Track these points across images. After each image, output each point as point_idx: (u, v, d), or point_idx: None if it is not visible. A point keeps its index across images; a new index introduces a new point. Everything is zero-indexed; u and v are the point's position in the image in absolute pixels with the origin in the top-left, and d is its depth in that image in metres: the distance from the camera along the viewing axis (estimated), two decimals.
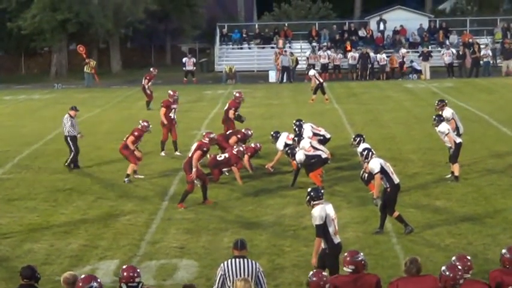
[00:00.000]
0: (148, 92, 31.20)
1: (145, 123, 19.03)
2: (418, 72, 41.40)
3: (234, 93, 22.78)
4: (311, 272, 8.79)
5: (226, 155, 18.30)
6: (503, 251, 9.11)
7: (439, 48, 44.86)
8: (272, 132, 19.74)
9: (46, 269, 12.63)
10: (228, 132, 20.54)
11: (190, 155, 16.50)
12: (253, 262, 9.43)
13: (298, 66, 42.89)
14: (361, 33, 47.37)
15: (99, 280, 8.52)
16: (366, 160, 14.68)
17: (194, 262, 13.05)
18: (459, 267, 8.64)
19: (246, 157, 18.70)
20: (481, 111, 27.70)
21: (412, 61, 42.17)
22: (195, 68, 42.61)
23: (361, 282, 8.99)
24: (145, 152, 20.02)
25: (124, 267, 8.84)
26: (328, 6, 56.41)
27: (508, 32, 45.99)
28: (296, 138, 18.78)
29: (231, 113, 21.84)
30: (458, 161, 17.78)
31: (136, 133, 18.82)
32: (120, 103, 34.54)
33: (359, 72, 42.04)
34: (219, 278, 9.31)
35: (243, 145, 19.13)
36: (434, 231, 14.26)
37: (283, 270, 12.42)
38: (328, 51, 43.06)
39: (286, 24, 49.62)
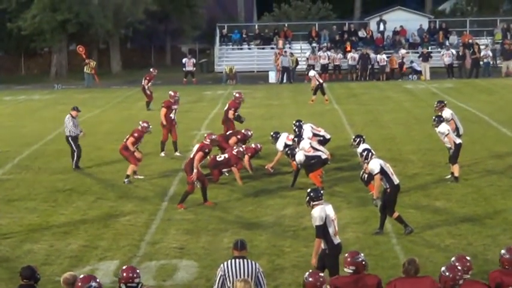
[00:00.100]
0: (148, 92, 31.21)
1: (145, 124, 19.02)
2: (418, 72, 41.41)
3: (234, 93, 22.78)
4: (307, 273, 8.79)
5: (226, 155, 18.30)
6: (502, 251, 9.12)
7: (439, 49, 44.88)
8: (272, 133, 19.74)
9: (46, 270, 12.63)
10: (228, 133, 20.55)
11: (191, 156, 16.50)
12: (253, 263, 9.43)
13: (298, 66, 42.90)
14: (361, 33, 47.38)
15: (98, 280, 8.53)
16: (366, 161, 14.68)
17: (194, 263, 13.05)
18: (459, 267, 8.65)
19: (246, 157, 18.70)
20: (481, 112, 27.70)
21: (412, 62, 42.17)
22: (195, 68, 42.63)
23: (362, 283, 9.00)
24: (145, 153, 20.02)
25: (123, 267, 8.84)
26: (328, 6, 56.41)
27: (508, 33, 46.00)
28: (296, 139, 18.79)
29: (230, 114, 21.83)
30: (458, 162, 17.78)
31: (136, 134, 18.81)
32: (120, 103, 34.54)
33: (359, 72, 42.06)
34: (219, 279, 9.31)
35: (243, 146, 19.13)
36: (434, 231, 14.27)
37: (283, 271, 12.42)
38: (328, 52, 43.07)
39: (286, 25, 49.62)
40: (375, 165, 14.15)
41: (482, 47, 42.80)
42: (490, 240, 13.64)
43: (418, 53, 43.98)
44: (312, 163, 17.52)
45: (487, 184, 17.62)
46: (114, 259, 13.29)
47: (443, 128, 17.72)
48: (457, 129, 18.84)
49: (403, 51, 42.95)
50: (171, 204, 16.64)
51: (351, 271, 9.09)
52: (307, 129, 19.39)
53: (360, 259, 9.13)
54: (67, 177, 19.48)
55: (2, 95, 39.40)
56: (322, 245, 10.92)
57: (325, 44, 45.06)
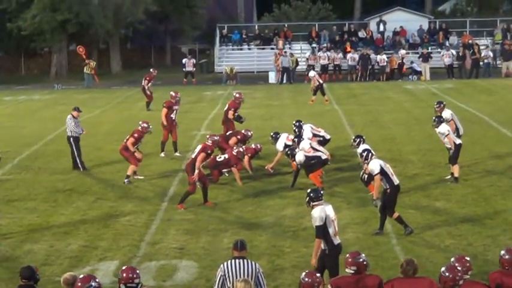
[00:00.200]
0: (148, 92, 31.21)
1: (145, 125, 19.02)
2: (418, 73, 41.40)
3: (234, 94, 22.78)
4: (303, 273, 8.80)
5: (226, 156, 18.30)
6: (502, 252, 9.12)
7: (439, 50, 44.88)
8: (272, 133, 19.74)
9: (46, 270, 12.64)
10: (228, 133, 20.54)
11: (193, 157, 16.51)
12: (253, 263, 9.43)
13: (298, 67, 42.90)
14: (361, 34, 47.38)
15: (97, 280, 8.54)
16: (366, 161, 14.68)
17: (194, 263, 13.05)
18: (458, 268, 8.65)
19: (246, 158, 18.70)
20: (481, 112, 27.70)
21: (412, 62, 42.17)
22: (194, 68, 42.63)
23: (363, 283, 9.01)
24: (145, 153, 20.02)
25: (123, 268, 8.84)
26: (328, 7, 56.40)
27: (508, 33, 45.99)
28: (296, 139, 18.79)
29: (230, 114, 21.83)
30: (458, 162, 17.79)
31: (136, 134, 18.81)
32: (120, 104, 34.55)
33: (359, 73, 42.05)
34: (219, 279, 9.32)
35: (243, 146, 19.13)
36: (434, 232, 14.27)
37: (283, 271, 12.42)
38: (328, 52, 43.07)
39: (286, 25, 49.61)
40: (374, 165, 14.15)
41: (482, 47, 42.80)
42: (490, 241, 13.64)
43: (418, 53, 43.96)
44: (312, 163, 17.52)
45: (487, 184, 17.62)
46: (114, 259, 13.29)
47: (443, 128, 17.73)
48: (457, 130, 18.85)
49: (402, 51, 42.94)
50: (171, 205, 16.64)
51: (353, 271, 9.09)
52: (307, 130, 19.39)
53: (361, 259, 9.14)
54: (67, 178, 19.48)
55: (2, 95, 39.40)
56: (322, 246, 10.92)
57: (325, 45, 45.05)
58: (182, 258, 13.34)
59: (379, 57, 41.95)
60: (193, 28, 53.06)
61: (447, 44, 44.88)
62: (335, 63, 42.81)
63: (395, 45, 45.80)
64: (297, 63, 42.65)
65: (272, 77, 42.47)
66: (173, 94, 22.15)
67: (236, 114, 21.95)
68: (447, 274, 8.49)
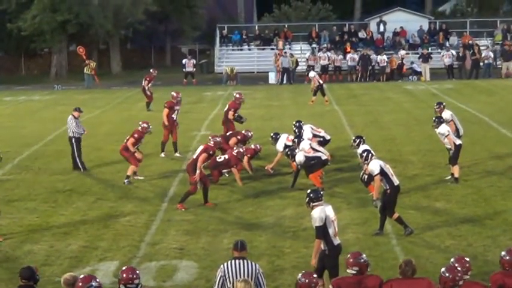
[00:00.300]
0: (148, 93, 31.21)
1: (145, 125, 19.02)
2: (418, 73, 41.40)
3: (234, 94, 22.76)
4: (300, 273, 8.80)
5: (226, 156, 18.29)
6: (503, 253, 9.11)
7: (439, 50, 44.87)
8: (272, 134, 19.73)
9: (46, 270, 12.64)
10: (228, 134, 20.54)
11: (195, 157, 16.51)
12: (253, 263, 9.43)
13: (298, 67, 42.89)
14: (361, 34, 47.38)
15: (98, 280, 8.54)
16: (366, 162, 14.68)
17: (194, 263, 13.05)
18: (458, 268, 8.65)
19: (245, 158, 18.68)
20: (481, 113, 27.70)
21: (412, 62, 42.16)
22: (195, 69, 42.63)
23: (365, 284, 9.01)
24: (145, 153, 20.01)
25: (123, 268, 8.83)
26: (328, 7, 56.38)
27: (508, 34, 45.98)
28: (296, 140, 18.79)
29: (230, 114, 21.82)
30: (458, 163, 17.79)
31: (136, 135, 18.81)
32: (120, 104, 34.54)
33: (359, 73, 42.05)
34: (219, 279, 9.32)
35: (243, 146, 19.13)
36: (434, 232, 14.27)
37: (283, 272, 12.42)
38: (328, 53, 43.07)
39: (286, 26, 49.62)
40: (374, 166, 14.15)
41: (483, 48, 42.80)
42: (490, 241, 13.64)
43: (418, 54, 43.97)
44: (312, 164, 17.52)
45: (487, 185, 17.62)
46: (114, 260, 13.29)
47: (443, 129, 17.73)
48: (457, 130, 18.86)
49: (402, 52, 42.92)
50: (171, 205, 16.64)
51: (355, 272, 9.10)
52: (307, 130, 19.38)
53: (363, 260, 9.16)
54: (67, 178, 19.48)
55: (2, 95, 39.40)
56: (322, 246, 10.92)
57: (325, 45, 45.05)
58: (182, 258, 13.34)
59: (379, 57, 41.94)
60: (193, 28, 53.07)
61: (447, 44, 44.88)
62: (335, 64, 42.80)
63: (396, 45, 45.79)
64: (297, 64, 42.64)
65: (272, 78, 42.47)
66: (174, 94, 22.14)
67: (236, 114, 21.94)
68: (447, 274, 8.49)
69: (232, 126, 21.75)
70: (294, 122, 19.99)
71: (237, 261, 9.37)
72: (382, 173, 14.02)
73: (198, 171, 16.17)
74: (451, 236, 14.03)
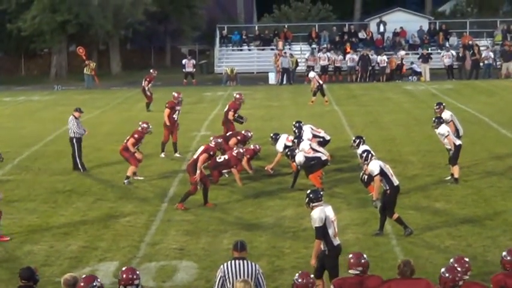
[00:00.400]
0: (148, 93, 31.21)
1: (145, 125, 19.02)
2: (418, 74, 41.40)
3: (234, 94, 22.76)
4: (297, 274, 8.80)
5: (226, 156, 18.29)
6: (504, 253, 9.09)
7: (439, 50, 44.85)
8: (272, 134, 19.74)
9: (46, 271, 12.64)
10: (228, 134, 20.53)
11: (195, 157, 16.52)
12: (253, 264, 9.43)
13: (298, 68, 42.88)
14: (361, 35, 47.39)
15: (99, 280, 8.55)
16: (366, 162, 14.69)
17: (194, 264, 13.05)
18: (458, 268, 8.65)
19: (244, 159, 18.66)
20: (481, 113, 27.70)
21: (412, 63, 42.16)
22: (194, 69, 42.64)
23: (366, 285, 9.02)
24: (145, 154, 19.99)
25: (123, 269, 8.83)
26: (328, 8, 56.38)
27: (508, 34, 45.98)
28: (296, 140, 18.79)
29: (230, 115, 21.82)
30: (458, 163, 17.79)
31: (136, 135, 18.81)
32: (120, 104, 34.54)
33: (359, 74, 42.04)
34: (219, 280, 9.32)
35: (243, 147, 19.13)
36: (434, 233, 14.27)
37: (283, 272, 12.42)
38: (328, 53, 43.07)
39: (286, 26, 49.62)
40: (374, 166, 14.15)
41: (483, 48, 42.80)
42: (489, 242, 13.64)
43: (418, 54, 43.97)
44: (312, 164, 17.52)
45: (487, 185, 17.62)
46: (114, 260, 13.29)
47: (443, 129, 17.74)
48: (456, 131, 18.87)
49: (402, 52, 42.92)
50: (171, 205, 16.63)
51: (358, 272, 9.11)
52: (307, 131, 19.39)
53: (365, 260, 9.17)
54: (67, 178, 19.47)
55: (2, 95, 39.38)
56: (322, 246, 10.92)
57: (325, 45, 45.06)
58: (182, 259, 13.34)
59: (379, 58, 41.93)
60: (193, 29, 53.07)
61: (447, 44, 44.87)
62: (335, 65, 42.79)
63: (396, 46, 45.79)
64: (296, 64, 42.63)
65: (272, 78, 42.46)
66: (175, 95, 22.14)
67: (236, 115, 21.94)
68: (447, 275, 8.49)
69: (232, 126, 21.74)
70: (294, 123, 19.99)
71: (237, 261, 9.37)
72: (382, 173, 14.02)
73: (198, 172, 16.18)
74: (450, 237, 14.03)
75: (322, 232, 10.84)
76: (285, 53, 42.62)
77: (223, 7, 57.99)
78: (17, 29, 45.35)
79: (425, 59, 41.64)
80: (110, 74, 49.45)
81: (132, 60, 53.44)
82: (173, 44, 55.67)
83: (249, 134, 20.09)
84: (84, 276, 8.72)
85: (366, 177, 15.95)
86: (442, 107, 19.43)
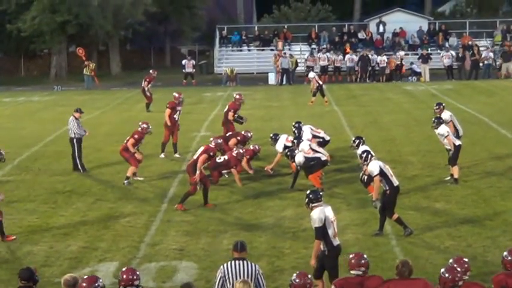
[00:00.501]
0: (148, 94, 31.21)
1: (145, 125, 19.02)
2: (418, 74, 41.40)
3: (234, 95, 22.76)
4: (294, 274, 8.81)
5: (226, 157, 18.29)
6: (505, 253, 9.09)
7: (439, 51, 44.83)
8: (271, 135, 19.74)
9: (45, 271, 12.65)
10: (227, 134, 20.54)
11: (195, 158, 16.53)
12: (253, 264, 9.44)
13: (298, 68, 42.88)
14: (361, 35, 47.40)
15: (101, 280, 8.57)
16: (365, 162, 14.70)
17: (194, 264, 13.05)
18: (458, 269, 8.65)
19: (244, 160, 18.66)
20: (480, 113, 27.71)
21: (411, 63, 42.16)
22: (194, 70, 42.65)
23: (367, 285, 9.02)
24: (145, 154, 19.99)
25: (123, 269, 8.84)
26: (327, 8, 56.37)
27: (508, 34, 45.99)
28: (295, 141, 18.79)
29: (230, 115, 21.83)
30: (457, 163, 17.80)
31: (136, 136, 18.82)
32: (119, 105, 34.54)
33: (358, 74, 42.04)
34: (219, 280, 9.33)
35: (243, 147, 19.13)
36: (433, 233, 14.27)
37: (283, 272, 12.42)
38: (328, 54, 43.07)
39: (285, 27, 49.61)
40: (374, 166, 14.16)
41: (482, 48, 42.79)
42: (489, 242, 13.64)
43: (417, 54, 43.97)
44: (312, 165, 17.52)
45: (486, 186, 17.62)
46: (114, 260, 13.29)
47: (443, 129, 17.74)
48: (456, 131, 18.87)
49: (401, 53, 42.91)
50: (171, 206, 16.63)
51: (361, 273, 9.12)
52: (307, 131, 19.39)
53: (365, 261, 9.19)
54: (67, 179, 19.48)
55: (2, 96, 39.38)
56: (322, 247, 10.92)
57: (324, 46, 45.05)
58: (182, 259, 13.34)
59: (379, 58, 41.92)
60: (192, 29, 53.08)
61: (447, 45, 44.87)
62: (335, 65, 42.78)
63: (395, 46, 45.80)
64: (296, 65, 42.62)
65: (272, 78, 42.46)
66: (176, 95, 22.14)
67: (236, 115, 21.95)
68: (447, 275, 8.50)
69: (232, 127, 21.75)
70: (294, 123, 20.00)
71: (236, 262, 9.37)
72: (382, 173, 14.02)
73: (198, 172, 16.18)
74: (450, 237, 14.04)
75: (321, 232, 10.84)
76: (285, 53, 42.63)
77: (223, 8, 58.00)
78: (16, 30, 45.35)
79: (425, 59, 41.64)
80: (109, 74, 49.45)
81: (132, 61, 53.44)
82: (173, 45, 55.68)
83: (249, 135, 20.10)
84: (86, 276, 8.73)
85: (366, 177, 15.95)
86: (441, 107, 19.43)
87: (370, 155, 14.70)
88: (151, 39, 54.55)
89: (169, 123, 21.47)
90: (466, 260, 8.97)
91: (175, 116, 21.60)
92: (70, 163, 20.37)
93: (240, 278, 9.09)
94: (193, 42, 54.79)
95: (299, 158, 17.44)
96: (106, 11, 45.62)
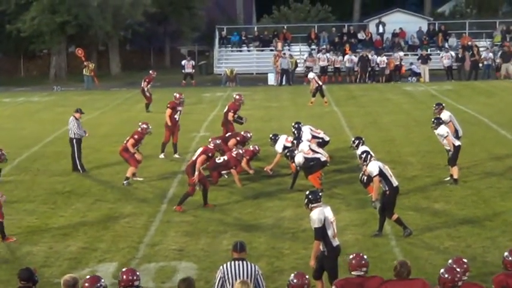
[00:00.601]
0: (147, 94, 31.21)
1: (145, 126, 19.02)
2: (417, 75, 41.40)
3: (234, 95, 22.76)
4: (292, 274, 8.81)
5: (226, 157, 18.30)
6: (506, 253, 9.10)
7: (438, 51, 44.84)
8: (271, 135, 19.74)
9: (45, 272, 12.64)
10: (227, 135, 20.54)
11: (194, 159, 16.52)
12: (252, 265, 9.43)
13: (298, 68, 42.88)
14: (360, 36, 47.40)
15: (103, 280, 8.58)
16: (365, 163, 14.70)
17: (193, 264, 13.05)
18: (457, 269, 8.65)
19: (244, 160, 18.66)
20: (480, 114, 27.71)
21: (411, 64, 42.16)
22: (194, 70, 42.66)
23: (367, 285, 9.02)
24: (144, 155, 19.98)
25: (123, 270, 8.84)
26: (327, 9, 56.42)
27: (507, 35, 45.99)
28: (295, 141, 18.79)
29: (230, 116, 21.82)
30: (457, 164, 17.79)
31: (136, 136, 18.82)
32: (119, 105, 34.53)
33: (358, 74, 42.02)
34: (218, 281, 9.33)
35: (242, 148, 19.13)
36: (433, 233, 14.27)
37: (282, 273, 12.41)
38: (328, 54, 43.07)
39: (285, 27, 49.62)
40: (373, 167, 14.16)
41: (482, 49, 42.78)
42: (489, 242, 13.64)
43: (417, 55, 43.98)
44: (311, 165, 17.52)
45: (486, 186, 17.62)
46: (113, 261, 13.29)
47: (442, 130, 17.74)
48: (456, 132, 18.87)
49: (401, 53, 42.90)
50: (171, 206, 16.63)
51: (362, 273, 9.13)
52: (306, 131, 19.39)
53: (366, 261, 9.20)
54: (66, 179, 19.47)
55: (1, 96, 39.36)
56: (321, 247, 10.92)
57: (324, 46, 45.05)
58: (181, 259, 13.34)
59: (379, 58, 41.91)
60: (192, 30, 53.09)
61: (446, 45, 44.88)
62: (335, 65, 42.78)
63: (395, 46, 45.79)
64: (296, 65, 42.62)
65: (271, 79, 42.45)
66: (177, 95, 22.14)
67: (236, 115, 21.95)
68: (446, 276, 8.50)
69: (232, 127, 21.75)
70: (293, 123, 20.00)
71: (236, 262, 9.37)
72: (381, 174, 14.02)
73: (196, 173, 16.18)
74: (450, 237, 14.03)
75: (321, 233, 10.84)
76: (284, 53, 42.64)
77: (222, 8, 58.00)
78: (16, 30, 45.36)
79: (425, 60, 41.63)
80: (109, 74, 49.46)
81: (132, 61, 53.47)
82: (172, 45, 55.70)
83: (249, 135, 20.09)
84: (88, 277, 8.74)
85: (365, 178, 15.95)
86: (441, 107, 19.44)
87: (369, 156, 14.71)
88: (151, 39, 54.58)
89: (170, 124, 21.47)
90: (465, 260, 8.98)
91: (176, 116, 21.60)
92: (69, 163, 20.37)
93: (239, 278, 9.09)
94: (192, 42, 54.81)
95: (299, 158, 17.44)
96: (105, 12, 45.63)
